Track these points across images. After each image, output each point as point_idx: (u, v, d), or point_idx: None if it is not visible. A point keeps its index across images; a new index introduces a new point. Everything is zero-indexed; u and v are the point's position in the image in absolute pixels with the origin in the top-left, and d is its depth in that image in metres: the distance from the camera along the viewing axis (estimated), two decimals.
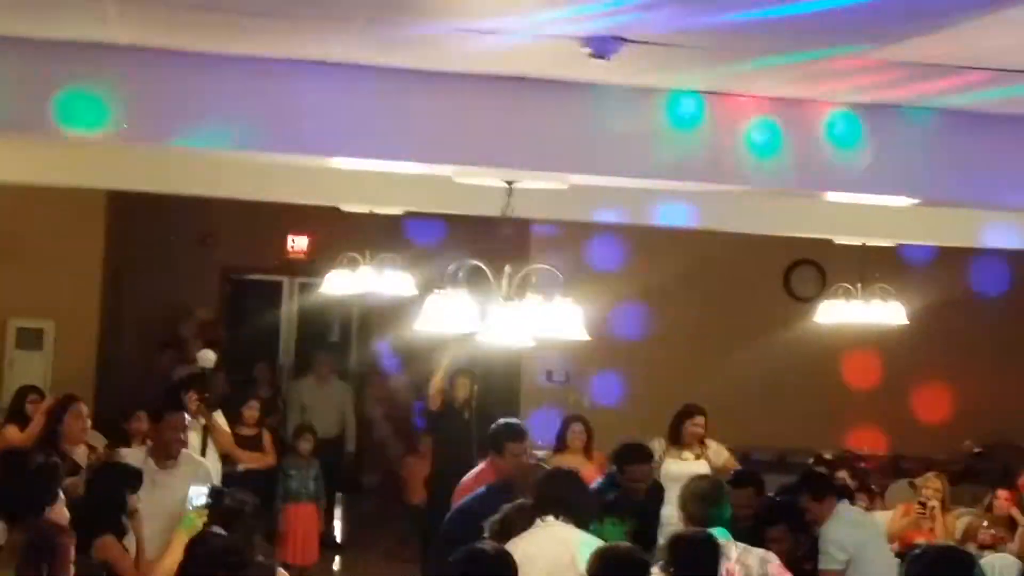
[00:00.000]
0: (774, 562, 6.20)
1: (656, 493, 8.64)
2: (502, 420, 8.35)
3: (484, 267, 6.28)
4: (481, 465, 8.24)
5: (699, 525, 6.18)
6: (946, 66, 5.19)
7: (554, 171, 5.94)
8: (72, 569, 5.54)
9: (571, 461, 9.26)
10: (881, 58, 5.09)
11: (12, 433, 9.67)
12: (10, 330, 13.27)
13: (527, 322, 5.98)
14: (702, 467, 9.89)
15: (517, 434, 8.04)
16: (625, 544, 5.41)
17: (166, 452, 7.83)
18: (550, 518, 5.97)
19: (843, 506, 7.96)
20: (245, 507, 6.15)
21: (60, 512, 6.26)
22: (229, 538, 5.85)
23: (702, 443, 10.06)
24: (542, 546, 5.76)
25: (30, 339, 13.24)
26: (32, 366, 12.93)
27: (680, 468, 9.66)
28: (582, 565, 5.40)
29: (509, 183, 6.33)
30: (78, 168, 8.83)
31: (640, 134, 5.70)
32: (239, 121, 5.54)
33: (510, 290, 6.16)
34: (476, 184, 6.72)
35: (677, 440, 9.98)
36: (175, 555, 5.90)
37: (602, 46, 4.72)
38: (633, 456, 8.59)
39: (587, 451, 10.05)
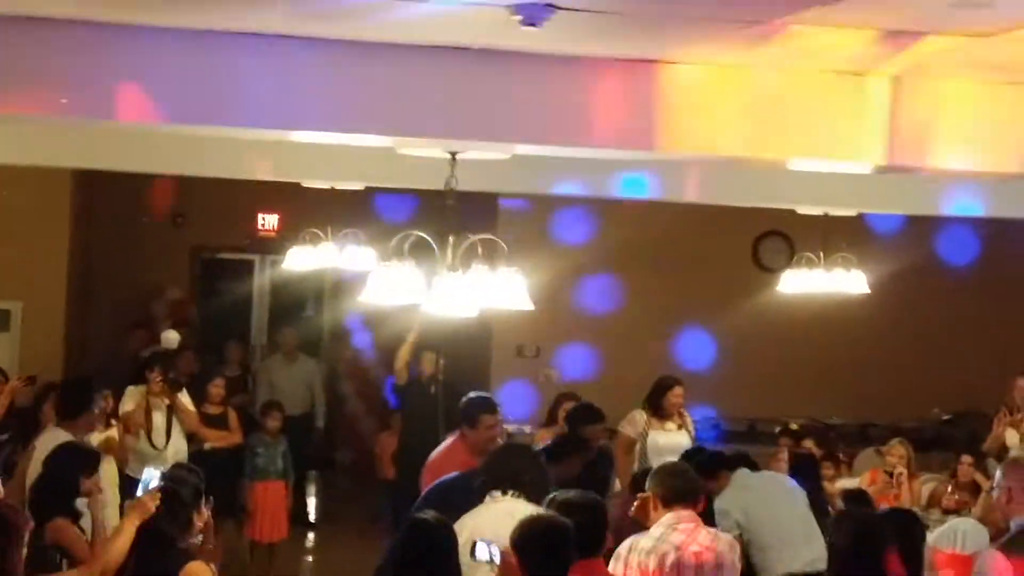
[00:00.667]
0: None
1: (604, 458, 8.69)
2: (474, 393, 8.35)
3: (429, 239, 6.28)
4: (450, 439, 8.24)
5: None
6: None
7: (495, 141, 5.93)
8: (24, 552, 5.53)
9: None
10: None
11: None
12: None
13: (471, 292, 5.98)
14: (685, 437, 9.96)
15: (490, 407, 8.08)
16: (548, 513, 5.38)
17: None
18: (497, 493, 5.98)
19: (737, 474, 7.84)
20: (182, 487, 6.12)
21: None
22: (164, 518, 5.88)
23: (681, 413, 10.12)
24: (491, 521, 5.75)
25: None
26: (0, 347, 12.91)
27: (668, 439, 9.75)
28: None
29: (452, 154, 6.32)
30: (43, 147, 8.79)
31: (578, 103, 5.69)
32: (175, 94, 5.51)
33: (455, 261, 6.16)
34: (423, 156, 6.71)
35: (658, 411, 10.04)
36: (126, 537, 5.90)
37: (533, 13, 4.70)
38: (589, 416, 8.68)
39: None
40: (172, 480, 6.22)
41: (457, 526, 5.57)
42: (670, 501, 5.93)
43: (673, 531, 5.83)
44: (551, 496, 5.63)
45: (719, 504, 7.44)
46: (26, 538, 5.54)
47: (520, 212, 12.91)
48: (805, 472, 8.71)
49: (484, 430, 7.89)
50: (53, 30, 5.43)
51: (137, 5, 5.17)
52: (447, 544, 5.24)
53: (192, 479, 6.23)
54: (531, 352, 13.75)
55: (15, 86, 5.48)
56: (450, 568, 5.23)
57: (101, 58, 5.45)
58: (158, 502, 6.00)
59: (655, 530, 5.86)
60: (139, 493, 6.20)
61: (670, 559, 5.71)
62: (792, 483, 8.05)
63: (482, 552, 5.24)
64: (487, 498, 6.01)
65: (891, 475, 10.12)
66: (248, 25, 5.47)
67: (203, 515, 6.07)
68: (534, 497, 5.92)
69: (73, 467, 6.88)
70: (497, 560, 5.20)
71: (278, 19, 5.37)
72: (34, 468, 7.59)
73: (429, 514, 5.40)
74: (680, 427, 10.07)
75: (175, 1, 5.07)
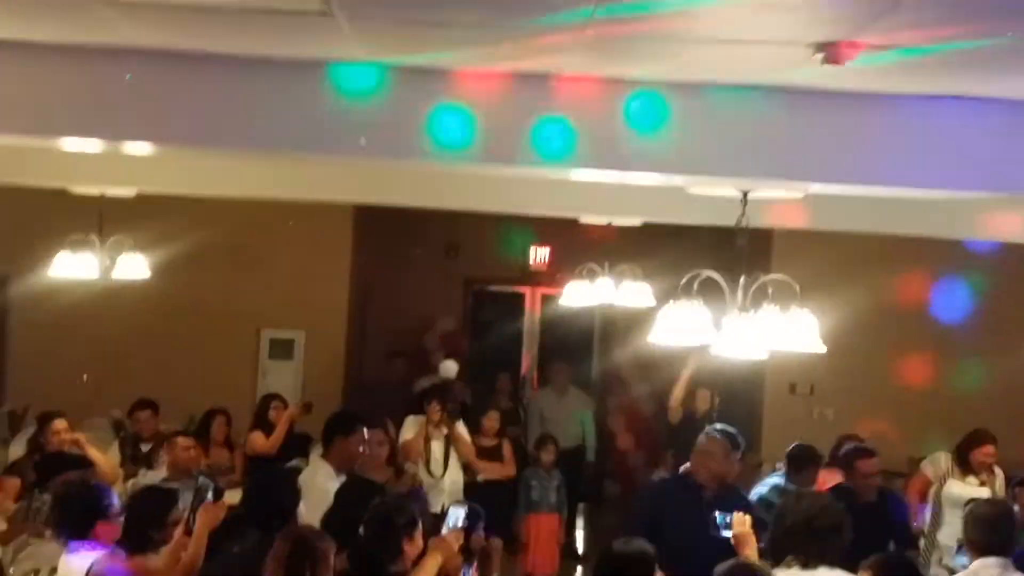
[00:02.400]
0: None
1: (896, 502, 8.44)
2: (721, 426, 8.23)
3: (719, 278, 6.21)
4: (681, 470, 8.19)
5: (982, 553, 6.04)
6: None
7: (787, 180, 5.85)
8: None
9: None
10: None
11: (258, 440, 10.02)
12: (263, 340, 13.75)
13: (762, 333, 5.88)
14: (986, 494, 9.50)
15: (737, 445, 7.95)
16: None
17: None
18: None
19: None
20: (397, 515, 6.14)
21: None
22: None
23: (992, 470, 9.65)
24: None
25: (282, 349, 13.70)
26: (283, 375, 13.37)
27: (965, 492, 9.26)
28: None
29: (744, 193, 6.25)
30: (327, 183, 9.10)
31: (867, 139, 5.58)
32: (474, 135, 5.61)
33: (745, 301, 6.08)
34: (712, 194, 6.66)
35: (964, 464, 9.52)
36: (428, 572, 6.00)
37: (836, 51, 4.62)
38: (862, 452, 8.47)
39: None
40: (388, 506, 6.26)
41: None
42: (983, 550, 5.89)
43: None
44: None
45: None
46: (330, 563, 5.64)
47: (795, 247, 12.65)
48: None
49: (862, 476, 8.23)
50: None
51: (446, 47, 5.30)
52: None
53: (410, 507, 6.25)
54: (804, 390, 13.49)
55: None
56: None
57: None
58: (462, 542, 6.09)
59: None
60: (444, 531, 6.28)
61: None
62: None
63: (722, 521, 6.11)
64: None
65: None
66: (537, 65, 5.54)
67: (416, 543, 6.04)
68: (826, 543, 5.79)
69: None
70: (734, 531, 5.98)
71: (571, 59, 5.42)
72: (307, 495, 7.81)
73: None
74: (983, 483, 9.61)
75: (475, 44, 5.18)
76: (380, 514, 6.08)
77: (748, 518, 6.24)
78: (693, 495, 7.38)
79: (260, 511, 6.26)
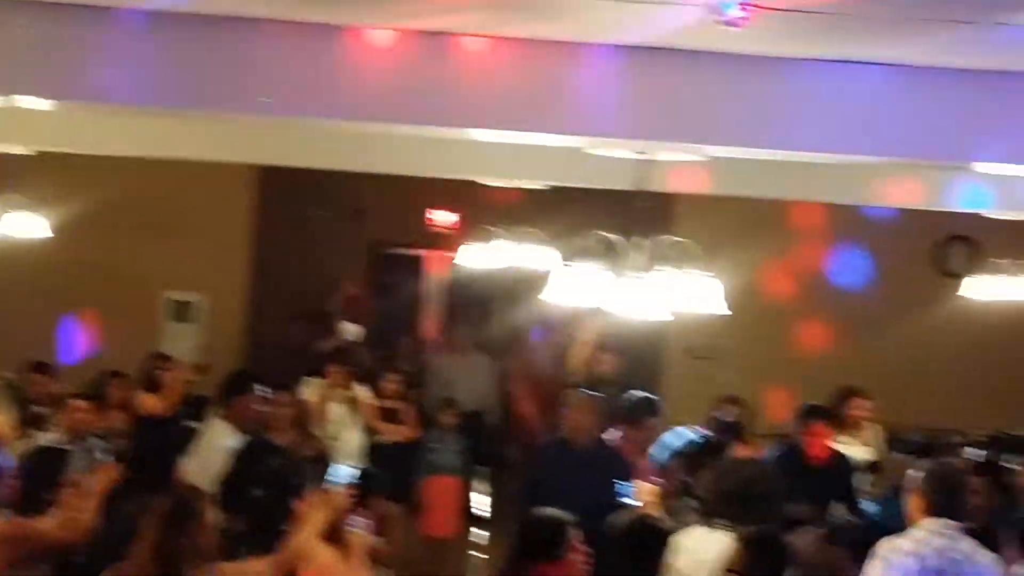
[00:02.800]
0: None
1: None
2: (641, 394, 8.40)
3: (616, 239, 6.22)
4: (616, 435, 8.49)
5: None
6: None
7: (683, 142, 5.86)
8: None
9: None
10: None
11: (147, 400, 9.91)
12: (163, 303, 13.59)
13: (659, 295, 5.91)
14: (864, 453, 9.71)
15: (654, 410, 8.50)
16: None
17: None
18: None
19: None
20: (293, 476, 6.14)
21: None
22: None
23: (860, 425, 9.84)
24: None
25: (181, 311, 13.55)
26: (183, 338, 13.22)
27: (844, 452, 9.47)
28: None
29: (642, 154, 6.26)
30: (229, 143, 8.98)
31: (775, 106, 5.60)
32: (378, 93, 5.55)
33: (643, 262, 6.09)
34: (610, 156, 6.67)
35: (836, 421, 9.63)
36: (312, 531, 5.94)
37: (730, 12, 4.61)
38: (816, 411, 8.61)
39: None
40: (283, 467, 6.24)
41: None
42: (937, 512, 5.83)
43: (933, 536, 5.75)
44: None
45: None
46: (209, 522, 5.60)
47: (696, 210, 12.73)
48: None
49: (646, 431, 8.21)
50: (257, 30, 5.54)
51: (343, 5, 5.22)
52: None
53: (305, 468, 6.23)
54: (705, 353, 13.59)
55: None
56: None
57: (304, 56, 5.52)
58: (347, 497, 6.07)
59: (916, 532, 5.77)
60: (329, 488, 6.24)
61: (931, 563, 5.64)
62: None
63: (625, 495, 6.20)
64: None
65: None
66: (450, 24, 5.49)
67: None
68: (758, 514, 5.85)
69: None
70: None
71: (473, 19, 5.38)
72: (201, 454, 7.75)
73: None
74: (856, 439, 9.79)
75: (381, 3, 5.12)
76: (275, 475, 6.05)
77: (656, 488, 6.24)
78: (566, 453, 7.80)
79: (144, 471, 6.21)
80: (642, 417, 8.44)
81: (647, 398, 8.65)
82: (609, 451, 8.23)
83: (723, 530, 5.71)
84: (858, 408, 9.87)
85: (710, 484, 6.09)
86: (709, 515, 5.85)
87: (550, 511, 5.67)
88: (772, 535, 5.37)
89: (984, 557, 5.83)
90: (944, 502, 5.84)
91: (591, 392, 8.37)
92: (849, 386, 10.11)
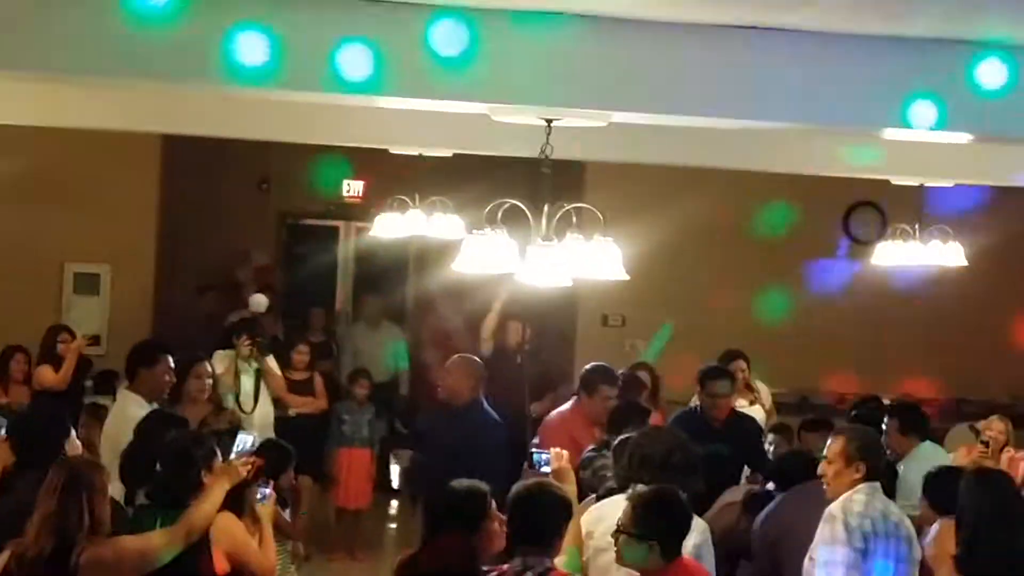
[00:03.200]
0: None
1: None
2: (596, 363, 8.83)
3: (523, 207, 6.19)
4: (569, 404, 8.73)
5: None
6: None
7: (594, 108, 5.82)
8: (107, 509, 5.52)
9: None
10: None
11: (46, 374, 9.77)
12: (67, 275, 13.38)
13: (565, 262, 5.89)
14: (758, 412, 9.84)
15: (610, 378, 8.61)
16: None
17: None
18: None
19: (926, 447, 7.90)
20: (198, 447, 6.08)
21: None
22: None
23: (749, 387, 9.95)
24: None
25: (87, 284, 13.35)
26: (89, 311, 13.03)
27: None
28: None
29: (548, 121, 6.21)
30: (131, 112, 8.81)
31: (674, 69, 5.58)
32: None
33: (549, 229, 6.07)
34: (516, 123, 6.62)
35: None
36: (215, 500, 5.86)
37: None
38: (713, 373, 8.66)
39: (653, 398, 9.96)
40: (186, 439, 6.18)
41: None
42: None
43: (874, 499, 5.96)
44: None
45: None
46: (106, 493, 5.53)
47: (607, 177, 12.73)
48: None
49: (600, 400, 8.34)
50: None
51: None
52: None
53: (210, 440, 6.18)
54: (616, 322, 13.64)
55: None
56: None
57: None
58: (250, 467, 6.00)
59: (858, 495, 5.95)
60: (232, 457, 6.16)
61: (879, 526, 5.85)
62: None
63: (538, 461, 6.25)
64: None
65: (986, 444, 9.93)
66: None
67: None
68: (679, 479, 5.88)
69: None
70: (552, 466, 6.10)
71: None
72: (112, 428, 7.65)
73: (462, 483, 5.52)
74: (752, 402, 9.90)
75: None
76: (178, 447, 5.97)
77: (565, 453, 6.25)
78: (444, 415, 8.24)
79: (30, 447, 6.10)
80: (597, 385, 8.51)
81: (602, 366, 8.80)
82: (487, 415, 8.37)
83: None
84: (738, 371, 9.96)
85: (629, 451, 6.10)
86: (628, 481, 5.86)
87: (468, 482, 5.65)
88: (665, 495, 5.39)
89: (907, 519, 6.14)
90: (877, 466, 6.14)
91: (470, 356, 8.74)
92: (730, 349, 10.20)
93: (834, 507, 5.91)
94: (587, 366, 8.84)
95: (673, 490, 5.43)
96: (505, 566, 5.11)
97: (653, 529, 5.22)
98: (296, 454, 7.28)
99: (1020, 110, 6.09)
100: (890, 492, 7.29)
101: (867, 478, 6.03)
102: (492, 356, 11.01)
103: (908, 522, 6.11)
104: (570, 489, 5.88)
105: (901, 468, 8.00)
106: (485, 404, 8.55)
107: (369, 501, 11.40)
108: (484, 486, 5.50)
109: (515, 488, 5.35)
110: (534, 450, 6.59)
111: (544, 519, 5.19)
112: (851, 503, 5.91)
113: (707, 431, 8.29)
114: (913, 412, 8.61)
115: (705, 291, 13.45)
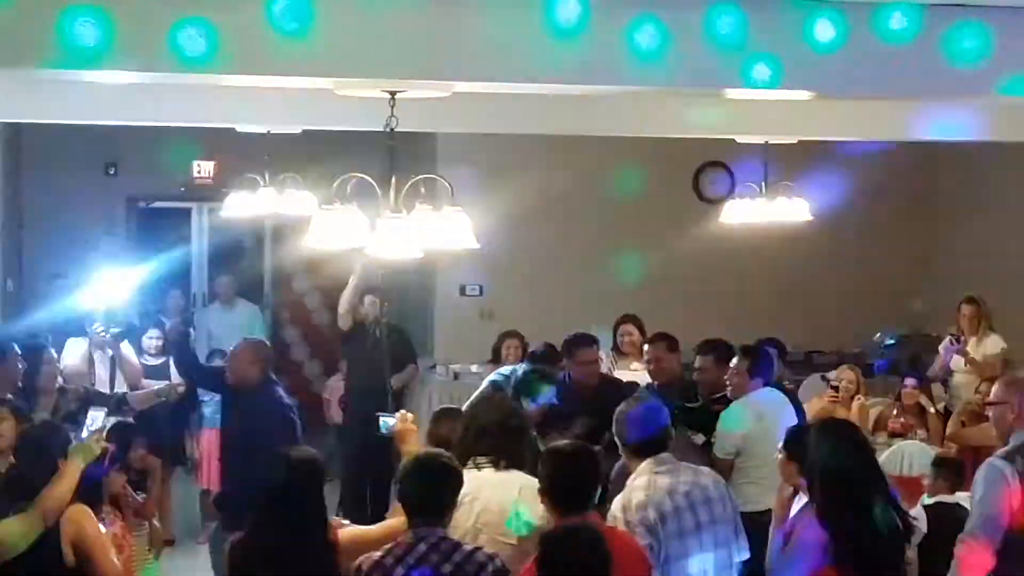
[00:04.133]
0: None
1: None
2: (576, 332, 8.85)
3: (371, 180, 6.20)
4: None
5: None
6: None
7: (434, 79, 5.83)
8: None
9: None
10: None
11: None
12: None
13: (414, 233, 5.92)
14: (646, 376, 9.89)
15: (589, 340, 8.73)
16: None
17: None
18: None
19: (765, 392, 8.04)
20: (52, 435, 6.05)
21: None
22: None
23: (641, 350, 10.02)
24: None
25: None
26: None
27: (630, 378, 9.62)
28: None
29: (392, 94, 6.22)
30: None
31: (522, 38, 5.59)
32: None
33: (398, 202, 6.09)
34: (362, 96, 6.61)
35: (616, 350, 10.22)
36: (70, 480, 5.81)
37: None
38: (580, 340, 8.71)
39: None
40: (39, 430, 6.14)
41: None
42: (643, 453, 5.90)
43: (657, 476, 5.78)
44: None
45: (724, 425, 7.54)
46: None
47: (459, 149, 12.78)
48: None
49: (583, 364, 8.52)
50: None
51: None
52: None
53: (63, 428, 6.16)
54: (474, 291, 13.69)
55: None
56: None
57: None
58: (103, 445, 5.96)
59: (639, 481, 5.79)
60: (83, 436, 6.10)
61: (667, 506, 5.67)
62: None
63: (386, 425, 6.30)
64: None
65: (836, 388, 10.21)
66: None
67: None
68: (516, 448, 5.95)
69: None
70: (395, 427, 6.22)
71: None
72: None
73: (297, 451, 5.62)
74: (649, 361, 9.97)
75: None
76: (32, 439, 5.91)
77: (411, 415, 6.32)
78: (233, 401, 8.58)
79: None
80: (576, 348, 8.63)
81: (584, 333, 8.85)
82: (275, 397, 8.37)
83: (486, 468, 5.79)
84: (626, 335, 10.14)
85: (464, 424, 6.12)
86: (466, 453, 5.87)
87: (305, 448, 5.70)
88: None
89: (704, 475, 6.07)
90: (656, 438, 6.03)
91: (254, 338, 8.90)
92: (623, 314, 10.37)
93: (614, 507, 5.73)
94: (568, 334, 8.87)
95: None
96: (399, 539, 5.13)
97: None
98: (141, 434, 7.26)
99: (855, 66, 6.22)
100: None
101: (644, 453, 5.91)
102: (351, 331, 10.99)
103: (706, 479, 5.92)
104: (411, 450, 5.94)
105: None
106: (275, 387, 8.50)
107: None
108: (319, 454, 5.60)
109: (403, 463, 5.37)
110: (380, 415, 6.61)
111: (433, 490, 5.20)
112: (630, 498, 5.70)
113: (572, 397, 8.25)
114: (763, 356, 8.57)
115: (561, 257, 13.58)
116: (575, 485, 5.26)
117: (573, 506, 5.17)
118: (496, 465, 5.80)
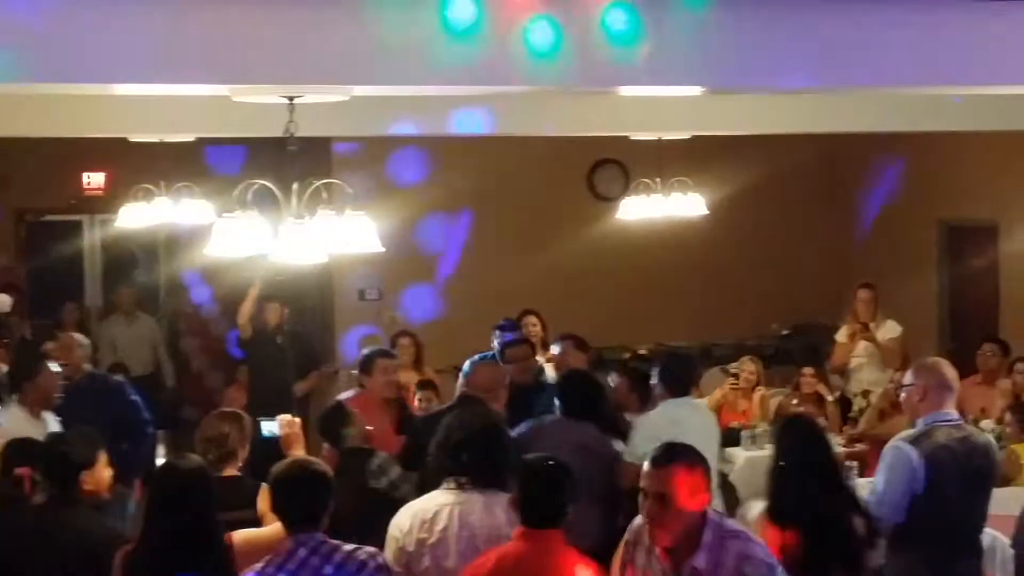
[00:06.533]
0: None
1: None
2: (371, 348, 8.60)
3: (273, 187, 6.18)
4: (352, 392, 8.26)
5: None
6: None
7: (332, 83, 5.81)
8: None
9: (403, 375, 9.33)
10: None
11: None
12: None
13: (318, 238, 5.91)
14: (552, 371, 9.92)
15: (384, 352, 8.49)
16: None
17: None
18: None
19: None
20: None
21: None
22: None
23: (544, 344, 10.08)
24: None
25: None
26: None
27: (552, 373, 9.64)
28: None
29: (290, 99, 6.20)
30: None
31: (416, 40, 5.59)
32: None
33: (300, 208, 6.07)
34: (259, 103, 6.58)
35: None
36: None
37: None
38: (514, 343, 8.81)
39: (417, 364, 10.00)
40: None
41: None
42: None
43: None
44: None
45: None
46: None
47: (354, 156, 12.76)
48: None
49: (381, 374, 8.09)
50: None
51: None
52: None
53: None
54: (373, 295, 13.67)
55: None
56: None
57: None
58: None
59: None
60: None
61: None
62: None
63: (268, 430, 6.44)
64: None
65: (736, 376, 10.36)
66: None
67: None
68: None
69: None
70: (278, 432, 6.31)
71: None
72: None
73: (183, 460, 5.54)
74: (549, 360, 10.01)
75: None
76: None
77: (297, 420, 6.33)
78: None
79: None
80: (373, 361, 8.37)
81: (375, 348, 8.71)
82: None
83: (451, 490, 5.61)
84: (530, 326, 10.18)
85: (443, 436, 5.87)
86: (439, 471, 5.71)
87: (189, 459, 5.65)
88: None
89: None
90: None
91: None
92: (524, 309, 10.47)
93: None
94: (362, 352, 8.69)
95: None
96: (279, 547, 5.11)
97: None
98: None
99: (744, 63, 6.30)
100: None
101: None
102: (252, 339, 10.93)
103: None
104: (298, 453, 5.93)
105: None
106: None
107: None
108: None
109: (274, 470, 5.32)
110: (263, 422, 6.61)
111: (304, 500, 5.17)
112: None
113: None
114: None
115: (458, 258, 13.60)
116: (546, 502, 5.10)
117: (543, 524, 5.07)
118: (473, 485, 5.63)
